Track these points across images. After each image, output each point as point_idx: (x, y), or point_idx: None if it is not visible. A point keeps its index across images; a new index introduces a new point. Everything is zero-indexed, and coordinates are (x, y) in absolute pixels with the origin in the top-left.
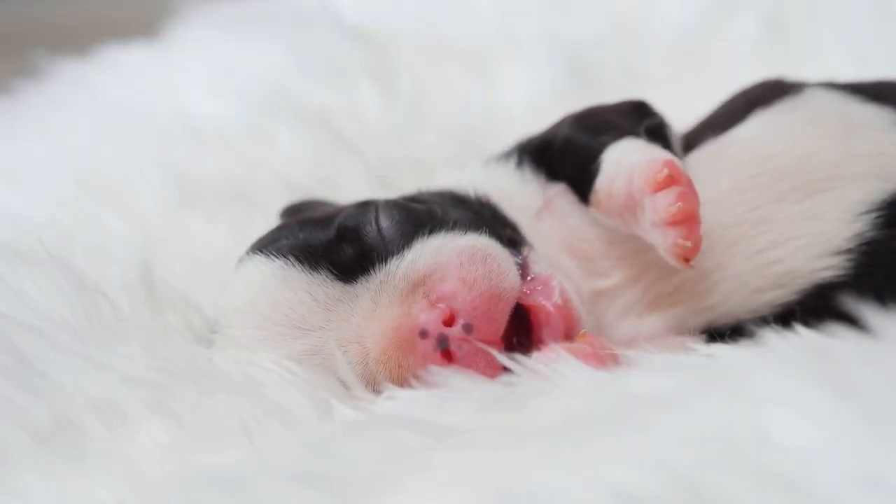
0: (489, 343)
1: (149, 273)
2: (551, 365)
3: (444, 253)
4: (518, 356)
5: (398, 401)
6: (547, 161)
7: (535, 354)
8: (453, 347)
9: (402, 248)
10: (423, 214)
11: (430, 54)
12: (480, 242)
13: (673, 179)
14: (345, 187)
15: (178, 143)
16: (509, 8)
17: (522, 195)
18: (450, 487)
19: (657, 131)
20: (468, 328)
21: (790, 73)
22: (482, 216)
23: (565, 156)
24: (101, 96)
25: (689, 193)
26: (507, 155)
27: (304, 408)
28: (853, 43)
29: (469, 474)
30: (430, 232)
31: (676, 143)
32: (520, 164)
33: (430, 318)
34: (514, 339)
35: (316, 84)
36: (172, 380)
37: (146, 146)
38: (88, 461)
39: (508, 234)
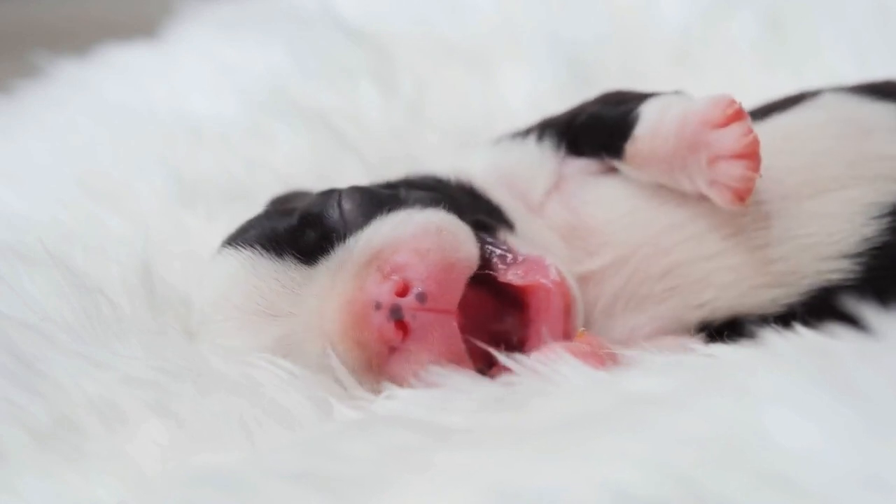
0: (445, 313)
1: (149, 273)
2: (551, 365)
3: (398, 228)
4: (518, 356)
5: (398, 400)
6: (569, 136)
7: (535, 354)
8: (407, 317)
9: (362, 227)
10: (386, 197)
11: (430, 54)
12: (436, 216)
13: (740, 115)
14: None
15: (178, 143)
16: (509, 8)
17: (534, 173)
18: (450, 487)
19: None
20: (422, 297)
21: (790, 72)
22: (452, 197)
23: (592, 127)
24: (101, 96)
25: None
26: (525, 132)
27: (303, 408)
28: (853, 42)
29: (469, 474)
30: (390, 211)
31: None
32: (540, 139)
33: (382, 289)
34: (515, 339)
35: (316, 84)
36: (172, 380)
37: (146, 146)
38: (88, 461)
39: (480, 218)
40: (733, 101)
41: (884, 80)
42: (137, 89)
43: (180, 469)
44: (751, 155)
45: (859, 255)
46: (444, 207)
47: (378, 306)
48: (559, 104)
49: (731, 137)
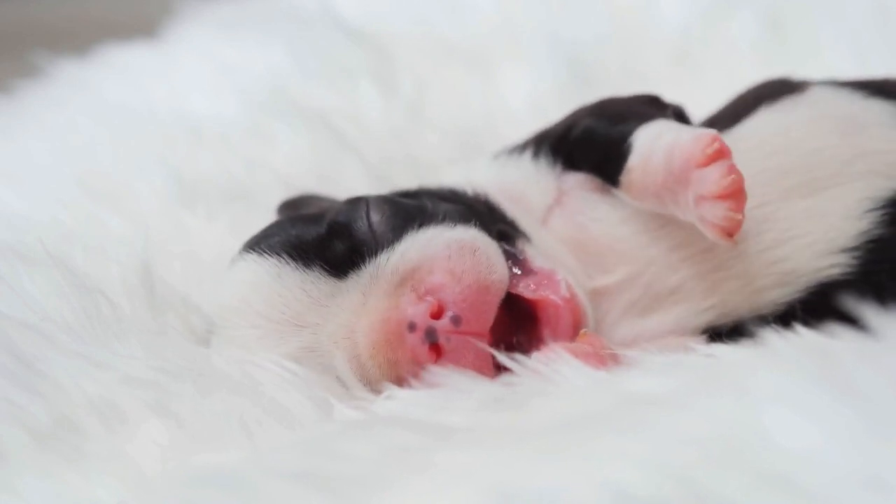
0: (478, 336)
1: (149, 273)
2: (551, 365)
3: (432, 246)
4: (518, 356)
5: (398, 401)
6: (565, 151)
7: (535, 354)
8: (441, 340)
9: (392, 242)
10: (414, 209)
11: (430, 54)
12: (469, 235)
13: (722, 153)
14: (344, 187)
15: (178, 143)
16: (509, 8)
17: (534, 189)
18: (450, 487)
19: (681, 117)
20: (456, 320)
21: (790, 72)
22: (476, 210)
23: (587, 144)
24: (101, 96)
25: (736, 167)
26: (521, 147)
27: (304, 407)
28: (853, 42)
29: (469, 474)
30: (420, 226)
31: None
32: (536, 155)
33: (417, 311)
34: (515, 339)
35: (316, 84)
36: (172, 380)
37: (146, 146)
38: (88, 461)
39: (501, 229)
40: (715, 139)
41: (881, 78)
42: (137, 89)
43: (180, 469)
44: (733, 195)
45: (855, 248)
46: (473, 223)
47: (412, 327)
48: (559, 104)
49: (713, 178)
